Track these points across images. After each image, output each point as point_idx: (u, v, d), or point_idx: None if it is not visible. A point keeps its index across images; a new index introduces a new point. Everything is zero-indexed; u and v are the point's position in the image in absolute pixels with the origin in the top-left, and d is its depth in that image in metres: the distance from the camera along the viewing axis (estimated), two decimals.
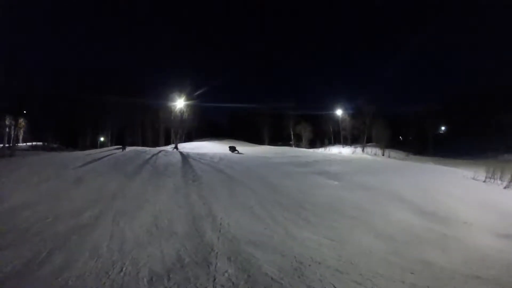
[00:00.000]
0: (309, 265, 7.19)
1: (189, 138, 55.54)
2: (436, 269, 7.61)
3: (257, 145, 56.57)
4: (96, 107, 48.26)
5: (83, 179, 15.23)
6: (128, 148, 30.36)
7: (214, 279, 6.12)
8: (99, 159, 21.62)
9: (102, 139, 52.95)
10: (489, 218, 13.17)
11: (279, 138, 71.44)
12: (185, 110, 42.54)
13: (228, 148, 36.85)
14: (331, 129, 68.19)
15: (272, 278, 6.33)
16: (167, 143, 50.81)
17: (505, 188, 19.43)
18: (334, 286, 6.19)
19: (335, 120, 66.09)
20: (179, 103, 41.90)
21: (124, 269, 6.43)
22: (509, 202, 15.98)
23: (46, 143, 48.04)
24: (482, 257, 8.82)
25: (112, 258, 6.97)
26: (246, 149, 41.06)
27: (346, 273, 6.92)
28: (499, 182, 20.78)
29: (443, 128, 77.35)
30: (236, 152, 33.66)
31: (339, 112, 63.43)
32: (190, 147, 42.55)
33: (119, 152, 26.49)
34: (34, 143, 49.38)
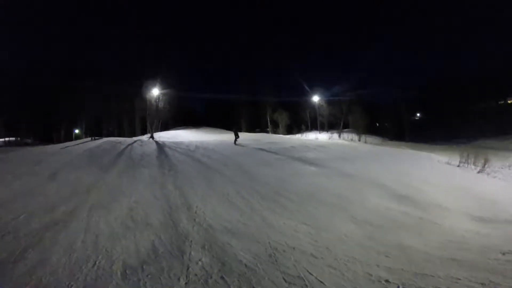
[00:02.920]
0: (284, 251, 7.27)
1: (165, 127, 54.94)
2: (412, 252, 7.72)
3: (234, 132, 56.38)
4: (70, 98, 47.21)
5: (58, 173, 14.98)
6: (103, 139, 29.92)
7: (188, 268, 6.15)
8: (74, 152, 21.29)
9: (77, 131, 52.02)
10: (464, 202, 13.47)
11: (256, 126, 71.35)
12: (160, 98, 42.11)
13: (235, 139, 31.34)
14: (308, 116, 68.22)
15: (246, 266, 6.39)
16: (144, 132, 50.09)
17: (478, 172, 19.97)
18: (308, 271, 6.27)
19: (312, 106, 66.20)
20: (155, 92, 41.42)
21: (97, 263, 6.38)
22: (483, 186, 16.45)
23: (19, 139, 46.96)
24: (457, 239, 9.00)
25: (86, 252, 6.89)
26: (223, 137, 40.84)
27: (321, 258, 7.01)
28: (472, 167, 21.34)
29: (418, 114, 78.77)
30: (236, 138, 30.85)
31: (316, 98, 63.53)
32: (166, 136, 42.01)
33: (93, 144, 26.00)
34: (7, 139, 48.19)
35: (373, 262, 6.92)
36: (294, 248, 7.53)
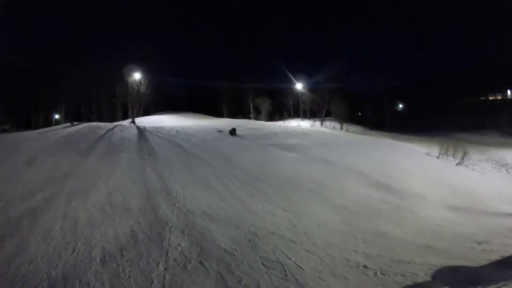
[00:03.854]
0: (263, 236, 7.36)
1: (146, 112, 54.15)
2: (389, 239, 7.89)
3: (216, 118, 56.14)
4: (48, 82, 46.12)
5: (35, 160, 14.65)
6: (83, 124, 29.41)
7: (167, 254, 6.17)
8: (52, 138, 20.90)
9: (56, 116, 51.01)
10: (441, 192, 13.82)
11: (238, 111, 71.09)
12: (142, 83, 41.58)
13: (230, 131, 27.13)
14: (291, 103, 68.29)
15: (225, 250, 6.45)
16: (125, 117, 49.29)
17: (457, 164, 20.44)
18: (286, 255, 6.36)
19: (295, 94, 66.24)
20: (136, 76, 40.88)
21: (76, 249, 6.33)
22: (461, 178, 16.92)
23: None
24: (434, 228, 9.22)
25: (65, 239, 6.81)
26: (204, 122, 40.65)
27: (300, 243, 7.13)
28: (451, 159, 21.79)
29: (400, 106, 79.67)
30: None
31: (299, 86, 63.53)
32: (147, 121, 41.48)
33: (73, 129, 25.55)
34: None
35: (351, 248, 7.06)
36: (273, 233, 7.63)
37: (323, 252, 6.70)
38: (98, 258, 5.99)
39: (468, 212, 11.52)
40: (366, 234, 8.13)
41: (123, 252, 6.23)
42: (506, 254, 6.99)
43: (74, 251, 6.28)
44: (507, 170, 20.14)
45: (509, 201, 13.10)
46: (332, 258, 6.45)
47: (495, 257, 6.82)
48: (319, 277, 5.57)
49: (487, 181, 17.10)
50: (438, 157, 22.20)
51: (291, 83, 64.09)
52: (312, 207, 10.29)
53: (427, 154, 23.09)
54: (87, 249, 6.38)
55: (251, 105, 67.15)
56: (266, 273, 5.62)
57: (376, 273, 5.79)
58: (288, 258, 6.27)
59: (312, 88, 64.12)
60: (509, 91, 66.46)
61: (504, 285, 4.78)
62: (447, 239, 8.22)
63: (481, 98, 69.54)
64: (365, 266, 6.07)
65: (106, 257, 6.03)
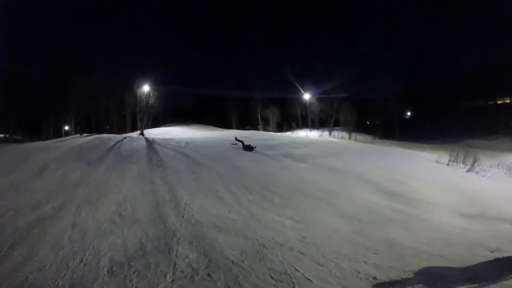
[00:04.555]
0: (271, 248, 7.29)
1: (155, 124, 54.39)
2: (400, 248, 7.77)
3: (225, 129, 56.18)
4: (58, 94, 46.49)
5: (46, 169, 14.76)
6: (92, 136, 29.53)
7: (175, 265, 6.14)
8: (62, 148, 21.03)
9: (66, 127, 51.37)
10: (452, 199, 13.72)
11: (247, 122, 70.83)
12: (151, 94, 41.82)
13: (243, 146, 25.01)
14: (299, 113, 68.06)
15: (233, 262, 6.40)
16: (134, 129, 49.48)
17: (467, 171, 20.22)
18: (295, 268, 6.27)
19: (303, 104, 66.04)
20: (145, 87, 41.04)
21: (84, 259, 6.34)
22: (472, 184, 16.71)
23: (7, 135, 46.24)
24: (445, 236, 9.10)
25: (73, 249, 6.84)
26: (214, 134, 40.74)
27: (309, 255, 7.05)
28: (461, 165, 21.57)
29: (408, 113, 79.19)
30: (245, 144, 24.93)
31: (307, 96, 63.37)
32: (156, 132, 41.62)
33: (82, 140, 25.68)
34: None
35: (361, 259, 6.95)
36: (281, 244, 7.55)
37: (332, 264, 6.61)
38: (105, 269, 5.98)
39: (481, 219, 11.41)
40: (377, 244, 8.04)
41: (130, 263, 6.21)
42: None
43: (82, 261, 6.30)
44: None
45: None
46: (341, 269, 6.36)
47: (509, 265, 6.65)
48: None
49: (498, 187, 16.87)
50: (448, 164, 22.02)
51: (299, 93, 64.07)
52: (321, 216, 10.23)
53: (437, 161, 22.91)
54: (95, 259, 6.38)
55: (259, 116, 67.06)
56: (274, 285, 5.55)
57: (386, 285, 5.68)
58: (297, 270, 6.18)
59: (320, 98, 63.92)
60: None
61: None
62: (459, 247, 8.07)
63: (489, 103, 68.92)
64: (375, 278, 5.95)
65: (114, 268, 6.03)
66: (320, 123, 65.39)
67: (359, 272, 6.23)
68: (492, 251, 7.65)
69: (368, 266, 6.55)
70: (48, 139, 38.01)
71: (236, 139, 25.00)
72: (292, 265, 6.38)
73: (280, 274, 5.98)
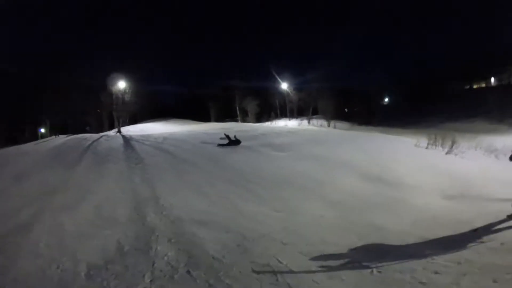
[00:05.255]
0: (254, 240, 7.21)
1: (134, 121, 53.73)
2: (386, 233, 7.85)
3: (203, 122, 55.98)
4: (30, 95, 45.36)
5: (22, 175, 14.27)
6: (67, 136, 28.95)
7: (153, 264, 5.98)
8: (38, 151, 20.59)
9: (42, 130, 50.38)
10: (434, 181, 13.97)
11: (226, 115, 70.68)
12: (127, 91, 41.17)
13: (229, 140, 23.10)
14: (278, 103, 68.18)
15: (213, 257, 6.26)
16: (112, 128, 48.70)
17: (446, 153, 20.56)
18: (278, 259, 6.17)
19: (281, 93, 66.15)
20: (120, 85, 40.37)
21: (61, 265, 6.11)
22: (452, 166, 17.01)
23: None
24: (431, 217, 9.26)
25: (50, 255, 6.59)
26: (192, 128, 40.50)
27: (292, 244, 7.00)
28: (440, 148, 21.93)
29: (386, 99, 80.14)
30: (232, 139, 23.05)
31: (285, 86, 63.37)
32: (134, 130, 41.11)
33: (58, 142, 25.12)
34: None
35: (347, 245, 6.94)
36: (264, 235, 7.48)
37: (317, 251, 6.56)
38: (83, 273, 5.77)
39: (463, 198, 11.63)
40: (362, 228, 8.12)
41: (108, 266, 6.00)
42: (505, 240, 6.94)
43: (58, 267, 6.06)
44: (496, 156, 20.24)
45: (502, 185, 13.10)
46: (326, 257, 6.31)
47: (494, 244, 6.75)
48: (313, 280, 5.39)
49: (477, 167, 17.20)
50: (427, 148, 22.30)
51: (278, 83, 63.98)
52: (305, 204, 10.28)
53: (416, 145, 23.18)
54: (72, 264, 6.16)
55: (238, 108, 66.92)
56: (257, 279, 5.44)
57: (372, 271, 5.62)
58: (279, 262, 6.08)
59: (299, 87, 64.06)
60: (492, 79, 67.35)
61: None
62: (445, 228, 8.16)
63: (466, 87, 70.44)
64: (361, 264, 5.91)
65: (91, 272, 5.81)
66: (298, 112, 65.56)
67: (346, 259, 6.22)
68: (475, 230, 7.77)
69: (353, 252, 6.58)
70: (23, 143, 37.32)
71: (225, 134, 23.70)
72: (275, 257, 6.28)
73: (262, 267, 5.87)
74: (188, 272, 5.70)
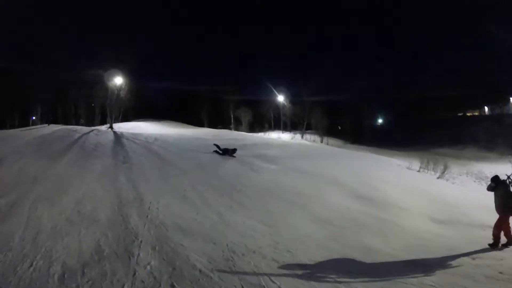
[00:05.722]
0: (243, 254, 6.87)
1: (126, 118, 53.23)
2: (377, 255, 7.64)
3: (196, 127, 55.71)
4: (25, 81, 44.56)
5: (2, 162, 13.73)
6: (57, 126, 28.37)
7: (134, 274, 5.52)
8: (24, 138, 19.89)
9: (33, 118, 49.61)
10: (424, 205, 13.95)
11: (219, 121, 70.48)
12: (122, 88, 40.70)
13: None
14: (272, 115, 68.23)
15: (200, 271, 5.85)
16: (103, 123, 48.16)
17: (438, 178, 20.69)
18: (270, 279, 5.79)
19: (276, 105, 66.15)
20: (116, 80, 39.74)
21: (34, 264, 5.65)
22: (442, 191, 17.17)
23: None
24: (421, 242, 9.09)
25: (23, 251, 6.13)
26: (184, 131, 40.20)
27: (283, 262, 6.69)
28: (432, 172, 22.04)
29: (380, 121, 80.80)
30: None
31: (280, 98, 63.46)
32: (126, 127, 40.67)
33: (46, 131, 24.49)
34: None
35: (338, 267, 6.71)
36: (254, 251, 7.12)
37: (308, 273, 6.26)
38: (56, 276, 5.32)
39: (453, 224, 11.63)
40: (352, 250, 7.85)
41: (85, 270, 5.55)
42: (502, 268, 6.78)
43: (31, 265, 5.60)
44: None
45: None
46: (318, 279, 5.99)
47: (492, 273, 6.59)
48: None
49: (468, 193, 17.42)
50: (419, 171, 22.43)
51: (273, 95, 63.97)
52: (294, 220, 10.01)
53: (408, 168, 23.24)
54: (46, 264, 5.70)
55: (231, 115, 66.74)
56: None
57: None
58: (272, 281, 5.68)
59: (293, 101, 64.15)
60: (486, 108, 68.25)
61: None
62: (436, 252, 8.00)
63: (458, 114, 71.29)
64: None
65: (66, 275, 5.36)
66: (292, 126, 65.65)
67: (337, 281, 5.93)
68: (473, 259, 7.63)
69: (345, 275, 6.27)
70: (12, 128, 36.55)
71: (215, 145, 22.09)
72: (266, 275, 5.91)
73: (254, 286, 5.48)
74: (172, 286, 5.27)
